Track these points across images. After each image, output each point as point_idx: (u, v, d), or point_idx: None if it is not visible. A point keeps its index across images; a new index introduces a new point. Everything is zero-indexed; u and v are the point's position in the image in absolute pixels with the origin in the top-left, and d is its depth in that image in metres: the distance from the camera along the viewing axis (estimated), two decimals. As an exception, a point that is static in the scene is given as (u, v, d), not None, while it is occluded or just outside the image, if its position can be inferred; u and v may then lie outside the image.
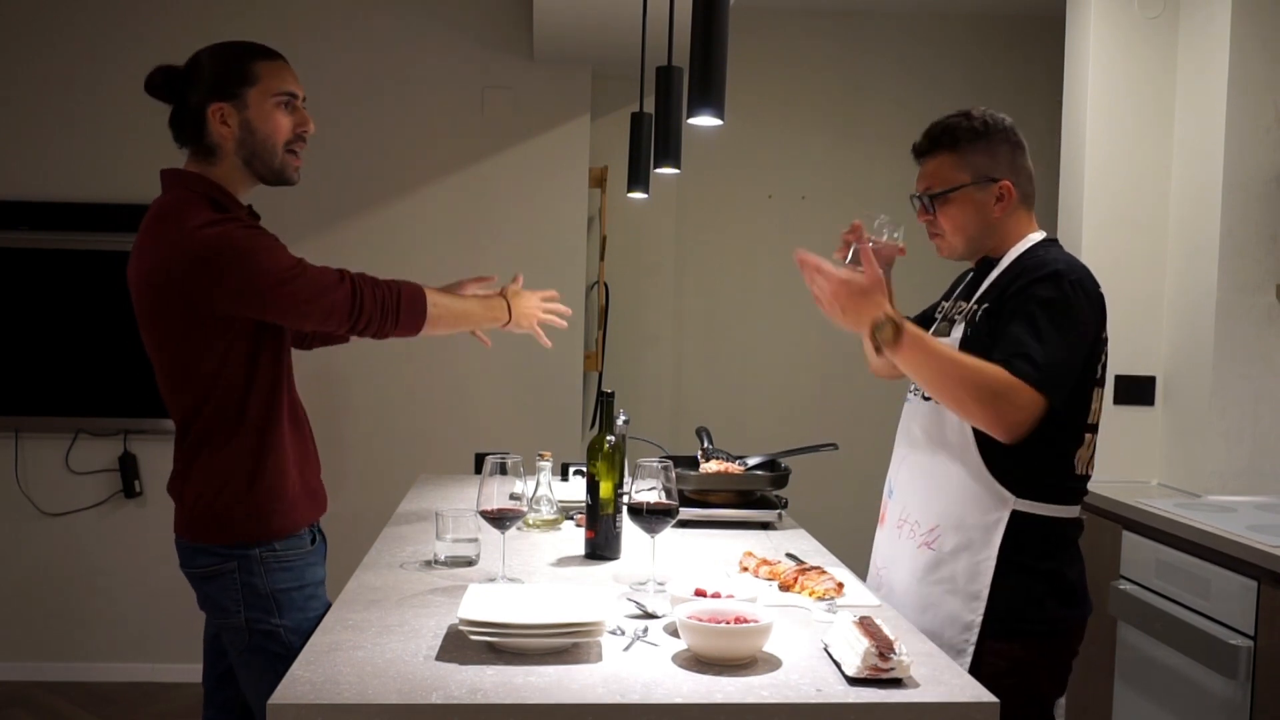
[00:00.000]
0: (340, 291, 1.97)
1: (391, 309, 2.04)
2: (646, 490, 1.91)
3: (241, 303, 1.91)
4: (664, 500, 1.92)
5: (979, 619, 1.91)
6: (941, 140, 2.04)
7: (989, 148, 2.02)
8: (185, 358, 1.95)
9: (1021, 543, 1.92)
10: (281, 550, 2.00)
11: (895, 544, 2.11)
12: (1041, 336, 1.85)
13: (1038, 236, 2.05)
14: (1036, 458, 1.92)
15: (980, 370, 1.83)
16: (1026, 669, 1.92)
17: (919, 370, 1.87)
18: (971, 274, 2.16)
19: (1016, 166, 2.04)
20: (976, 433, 1.93)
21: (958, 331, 2.01)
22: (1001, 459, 1.93)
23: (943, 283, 2.32)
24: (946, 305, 2.17)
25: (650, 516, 1.92)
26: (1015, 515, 1.93)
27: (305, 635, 1.95)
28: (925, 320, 2.23)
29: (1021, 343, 1.85)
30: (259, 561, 1.97)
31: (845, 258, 1.97)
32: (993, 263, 2.06)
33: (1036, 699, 1.94)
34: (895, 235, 2.05)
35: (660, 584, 1.95)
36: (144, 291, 1.96)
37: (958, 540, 1.96)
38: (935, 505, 2.01)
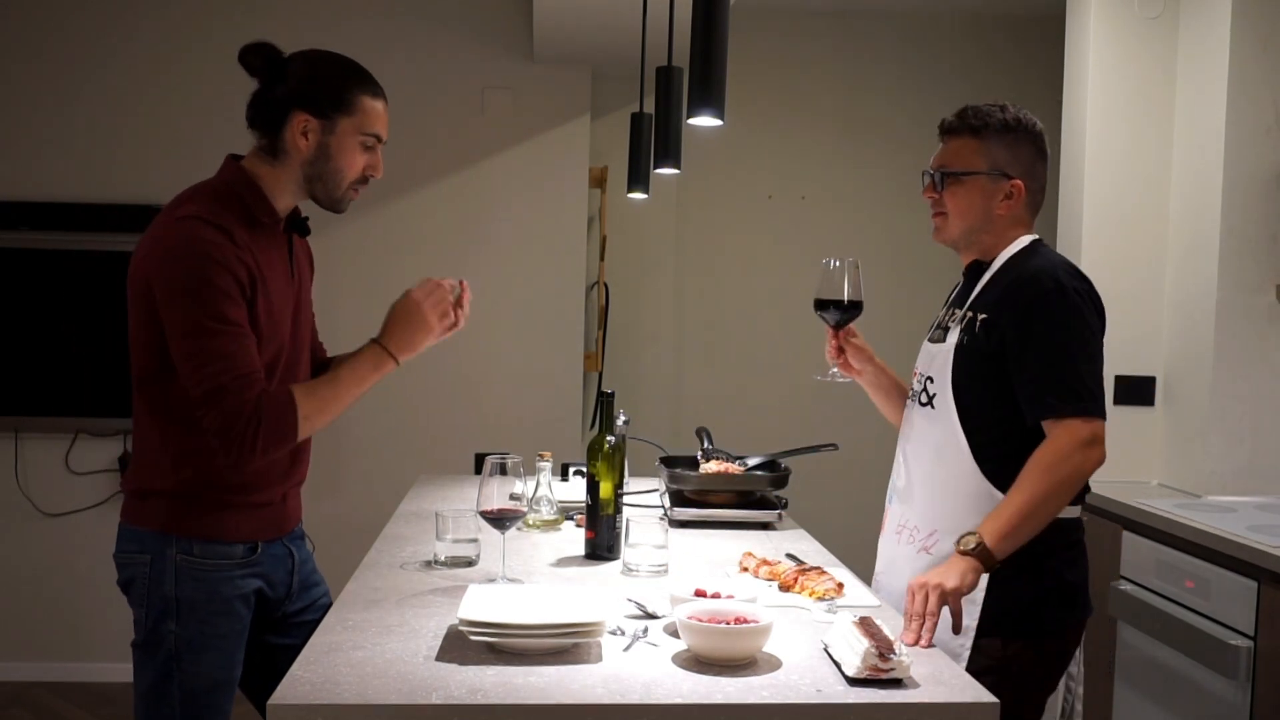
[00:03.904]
0: (232, 393, 1.77)
1: (251, 438, 1.79)
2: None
3: (163, 311, 1.81)
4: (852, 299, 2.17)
5: (974, 623, 1.89)
6: (970, 123, 2.03)
7: (1013, 144, 2.01)
8: (137, 331, 1.87)
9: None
10: (199, 556, 1.88)
11: (895, 549, 2.10)
12: (1068, 358, 1.87)
13: (1027, 240, 2.04)
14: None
15: (1051, 475, 1.83)
16: (1019, 669, 1.91)
17: (1026, 532, 1.85)
18: (962, 281, 2.15)
19: (1034, 172, 2.03)
20: (971, 437, 1.95)
21: (953, 338, 2.02)
22: (997, 463, 1.93)
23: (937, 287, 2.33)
24: (942, 313, 2.16)
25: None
26: None
27: (200, 651, 1.87)
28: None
29: (1052, 373, 1.87)
30: (171, 562, 1.87)
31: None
32: (983, 266, 2.06)
33: (1026, 698, 1.93)
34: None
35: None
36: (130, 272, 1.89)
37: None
38: (933, 510, 2.01)
